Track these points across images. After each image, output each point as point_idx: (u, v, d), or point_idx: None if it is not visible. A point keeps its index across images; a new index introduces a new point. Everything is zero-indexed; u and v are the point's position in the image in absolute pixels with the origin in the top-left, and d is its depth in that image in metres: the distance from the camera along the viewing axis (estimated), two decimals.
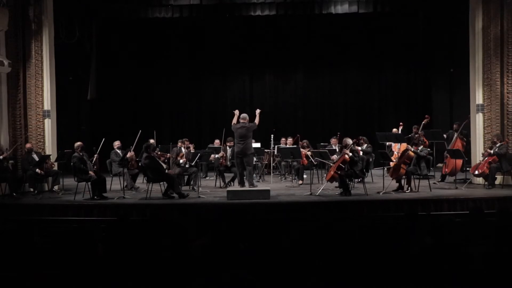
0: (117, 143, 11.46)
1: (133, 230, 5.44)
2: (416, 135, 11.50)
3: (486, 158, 10.34)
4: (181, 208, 9.16)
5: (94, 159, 10.28)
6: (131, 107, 16.00)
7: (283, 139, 13.32)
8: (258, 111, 10.30)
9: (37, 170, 10.44)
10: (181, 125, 15.83)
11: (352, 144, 10.08)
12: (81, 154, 9.96)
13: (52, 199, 10.07)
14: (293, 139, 12.89)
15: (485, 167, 10.33)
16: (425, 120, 12.03)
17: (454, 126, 11.83)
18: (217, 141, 12.90)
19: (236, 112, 10.28)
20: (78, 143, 10.18)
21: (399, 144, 11.86)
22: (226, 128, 11.72)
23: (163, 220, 6.03)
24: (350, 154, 9.79)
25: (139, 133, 11.14)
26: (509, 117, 10.89)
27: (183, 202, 9.52)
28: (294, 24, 15.09)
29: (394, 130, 12.81)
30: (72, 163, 9.98)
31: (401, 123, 12.95)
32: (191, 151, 11.17)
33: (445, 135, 11.80)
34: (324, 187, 10.54)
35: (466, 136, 11.44)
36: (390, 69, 16.23)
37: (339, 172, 9.80)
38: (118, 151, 11.34)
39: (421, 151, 10.15)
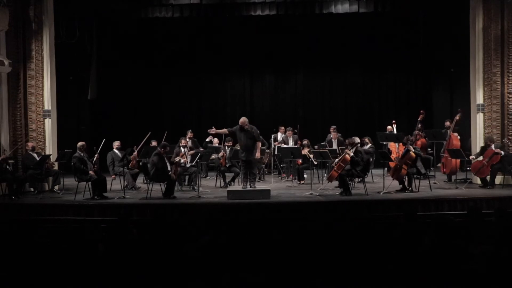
0: (117, 144, 11.45)
1: (134, 230, 5.45)
2: (411, 136, 11.48)
3: (490, 161, 10.26)
4: (182, 208, 9.16)
5: (95, 159, 10.28)
6: (131, 107, 15.99)
7: (282, 128, 13.22)
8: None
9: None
10: (181, 125, 15.82)
11: (358, 143, 10.09)
12: (81, 154, 9.97)
13: (52, 199, 10.07)
14: (292, 131, 12.81)
15: (488, 171, 10.28)
16: (421, 116, 12.00)
17: (446, 123, 11.79)
18: (216, 140, 12.93)
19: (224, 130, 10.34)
20: (81, 143, 10.19)
21: (397, 144, 11.87)
22: (225, 128, 11.71)
23: (164, 220, 6.03)
24: (352, 154, 9.78)
25: (148, 134, 11.19)
26: (509, 117, 10.89)
27: (184, 202, 9.53)
28: (294, 24, 15.08)
29: (389, 127, 12.83)
30: (72, 163, 10.00)
31: (394, 121, 12.98)
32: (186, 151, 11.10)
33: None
34: (324, 186, 10.55)
35: (457, 132, 11.36)
36: (391, 69, 16.22)
37: (340, 171, 9.80)
38: (117, 152, 11.31)
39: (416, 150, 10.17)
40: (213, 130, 10.15)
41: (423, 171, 10.15)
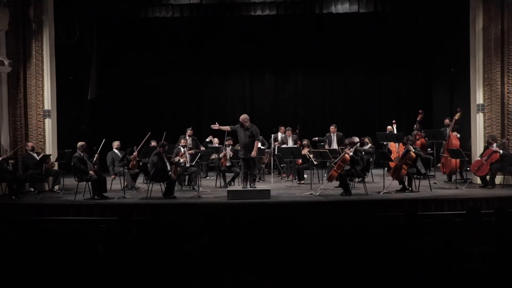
0: (116, 144, 11.43)
1: (134, 230, 5.45)
2: (410, 136, 11.47)
3: (488, 159, 10.30)
4: (182, 208, 9.16)
5: (95, 158, 10.27)
6: (131, 107, 15.99)
7: (282, 128, 13.22)
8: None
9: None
10: (181, 125, 15.86)
11: (357, 143, 10.12)
12: (81, 154, 9.97)
13: (52, 199, 10.07)
14: (291, 131, 12.81)
15: (488, 169, 10.30)
16: (420, 116, 12.00)
17: (446, 121, 11.75)
18: (216, 140, 12.99)
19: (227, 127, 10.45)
20: (81, 143, 10.19)
21: (397, 144, 11.87)
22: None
23: (163, 220, 6.04)
24: (351, 153, 9.78)
25: (148, 135, 11.19)
26: (509, 117, 10.90)
27: (184, 202, 9.53)
28: (294, 24, 15.08)
29: (389, 127, 12.86)
30: (72, 163, 9.99)
31: (394, 121, 13.02)
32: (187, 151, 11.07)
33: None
34: (324, 186, 10.55)
35: (457, 131, 11.36)
36: (391, 69, 16.23)
37: (339, 171, 9.80)
38: (117, 152, 11.30)
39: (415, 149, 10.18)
40: (216, 126, 10.20)
41: (423, 171, 10.15)
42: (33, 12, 11.23)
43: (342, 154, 10.01)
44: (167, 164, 10.03)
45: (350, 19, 13.99)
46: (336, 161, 10.08)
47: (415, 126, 12.02)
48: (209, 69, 16.11)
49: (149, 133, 11.54)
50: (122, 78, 15.67)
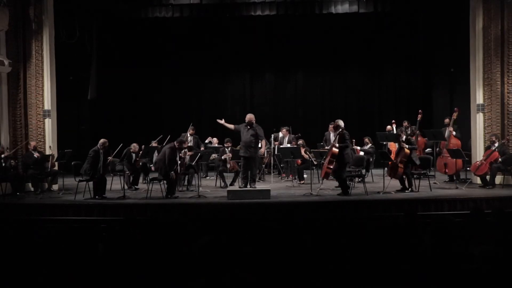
0: (134, 146, 11.24)
1: (136, 230, 5.45)
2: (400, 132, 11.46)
3: (488, 158, 10.32)
4: (182, 208, 9.16)
5: (108, 161, 10.20)
6: (131, 107, 15.99)
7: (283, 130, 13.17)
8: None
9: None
10: (181, 125, 15.85)
11: (342, 127, 10.07)
12: (101, 151, 9.90)
13: (53, 199, 10.08)
14: (287, 130, 12.76)
15: (487, 168, 10.32)
16: (419, 116, 11.99)
17: (446, 120, 11.73)
18: (215, 140, 12.98)
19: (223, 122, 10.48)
20: (103, 139, 10.09)
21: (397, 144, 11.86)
22: (226, 128, 11.71)
23: (162, 220, 6.04)
24: (337, 145, 9.77)
25: (159, 137, 11.16)
26: (509, 117, 10.91)
27: (184, 202, 9.53)
28: (294, 24, 15.09)
29: (389, 127, 12.85)
30: (88, 155, 9.87)
31: (393, 121, 13.01)
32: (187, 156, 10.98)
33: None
34: (323, 186, 10.54)
35: (456, 130, 11.34)
36: (391, 69, 16.24)
37: (331, 167, 9.77)
38: (133, 155, 11.20)
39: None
40: (222, 121, 10.34)
41: (418, 162, 10.13)
42: (33, 12, 11.24)
43: (329, 149, 9.98)
44: (178, 161, 9.83)
45: (350, 19, 13.99)
46: (325, 157, 10.10)
47: (404, 126, 12.05)
48: (209, 68, 16.11)
49: (161, 135, 11.36)
50: (122, 78, 15.66)
